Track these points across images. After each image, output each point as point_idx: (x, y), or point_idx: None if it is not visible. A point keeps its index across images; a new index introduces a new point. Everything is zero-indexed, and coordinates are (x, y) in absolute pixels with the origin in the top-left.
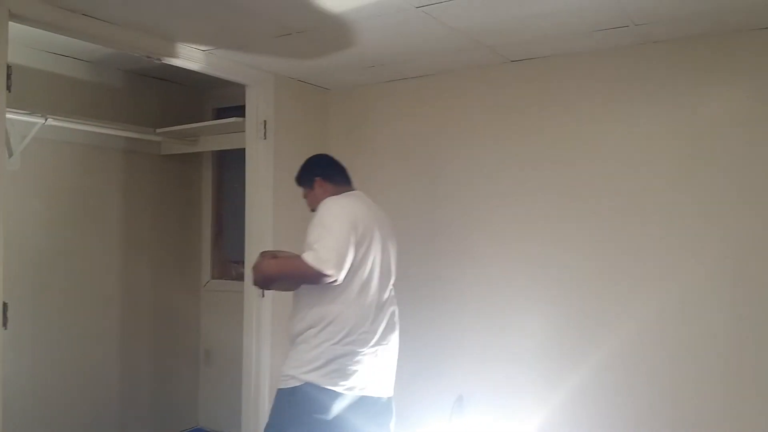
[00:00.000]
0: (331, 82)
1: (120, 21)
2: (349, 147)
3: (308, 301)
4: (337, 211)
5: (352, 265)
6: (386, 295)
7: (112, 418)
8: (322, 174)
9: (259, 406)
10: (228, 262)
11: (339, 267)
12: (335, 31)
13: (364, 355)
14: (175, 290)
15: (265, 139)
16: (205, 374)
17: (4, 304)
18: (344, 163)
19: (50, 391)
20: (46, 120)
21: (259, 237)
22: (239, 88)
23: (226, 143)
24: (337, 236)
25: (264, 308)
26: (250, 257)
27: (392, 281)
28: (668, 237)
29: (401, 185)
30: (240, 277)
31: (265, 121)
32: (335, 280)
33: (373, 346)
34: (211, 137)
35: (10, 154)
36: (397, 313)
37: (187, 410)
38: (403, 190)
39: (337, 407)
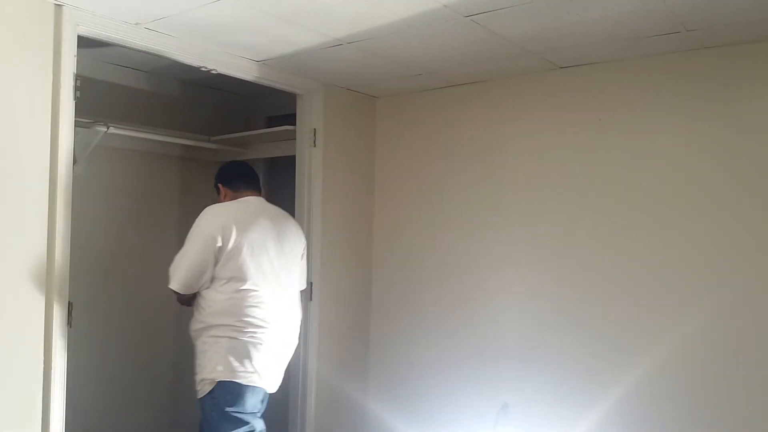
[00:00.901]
0: (379, 90)
1: (176, 33)
2: (396, 154)
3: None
4: (203, 221)
5: (224, 266)
6: (281, 295)
7: (166, 415)
8: (223, 180)
9: (306, 409)
10: None
11: (181, 281)
12: (384, 41)
13: (257, 350)
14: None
15: (315, 146)
16: None
17: (70, 304)
18: (391, 168)
19: (109, 386)
20: (108, 128)
21: (308, 241)
22: (290, 97)
23: (277, 150)
24: (189, 251)
25: (311, 311)
26: None
27: (292, 283)
28: (715, 246)
29: (448, 191)
30: None
31: (315, 129)
32: (184, 294)
33: (264, 343)
34: (263, 144)
35: (76, 162)
36: (296, 314)
37: None
38: (449, 196)
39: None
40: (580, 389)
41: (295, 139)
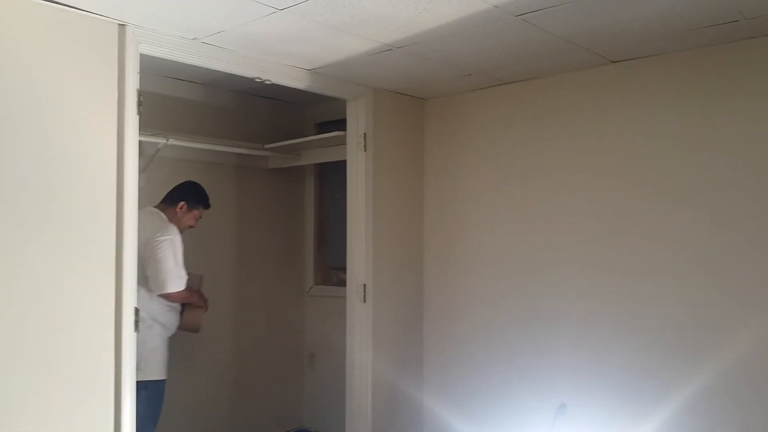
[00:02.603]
0: (428, 91)
1: (232, 47)
2: (445, 154)
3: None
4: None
5: None
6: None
7: (225, 417)
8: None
9: (363, 407)
10: (330, 268)
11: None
12: (434, 44)
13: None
14: (281, 295)
15: (365, 150)
16: (309, 376)
17: (136, 309)
18: (440, 169)
19: (171, 386)
20: (168, 140)
21: (359, 244)
22: (338, 103)
23: (327, 156)
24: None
25: (365, 312)
26: (352, 264)
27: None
28: None
29: (499, 190)
30: (341, 283)
31: (365, 134)
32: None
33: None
34: (314, 150)
35: (139, 173)
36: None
37: (293, 411)
38: (501, 196)
39: None
40: (642, 389)
41: (345, 144)
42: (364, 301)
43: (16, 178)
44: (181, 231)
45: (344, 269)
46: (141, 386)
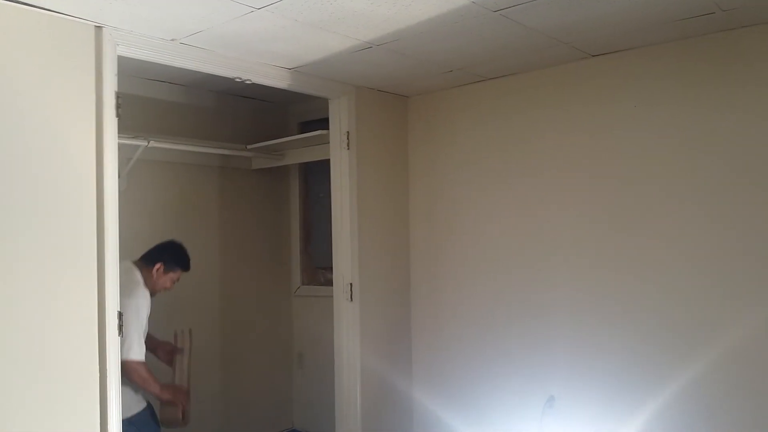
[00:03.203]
0: (410, 89)
1: (211, 47)
2: (428, 151)
3: None
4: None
5: None
6: None
7: (215, 420)
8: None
9: (352, 406)
10: (317, 268)
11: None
12: (414, 41)
13: None
14: (268, 296)
15: (348, 149)
16: (299, 376)
17: (119, 313)
18: (425, 166)
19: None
20: (148, 142)
21: (345, 243)
22: (321, 102)
23: (311, 155)
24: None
25: (353, 311)
26: (338, 263)
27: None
28: None
29: (483, 186)
30: (328, 283)
31: (348, 132)
32: None
33: None
34: (297, 150)
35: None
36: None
37: (283, 412)
38: (483, 192)
39: None
40: (632, 383)
41: (328, 143)
42: (351, 300)
43: None
44: (154, 293)
45: (331, 269)
46: (126, 423)
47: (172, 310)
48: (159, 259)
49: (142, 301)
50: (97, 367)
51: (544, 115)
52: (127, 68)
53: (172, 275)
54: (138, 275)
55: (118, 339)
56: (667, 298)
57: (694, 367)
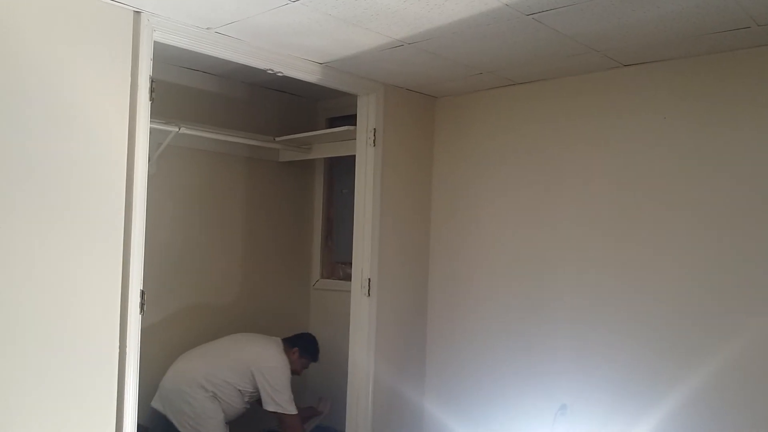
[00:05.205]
0: (439, 89)
1: (245, 37)
2: (453, 152)
3: None
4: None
5: None
6: None
7: None
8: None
9: (364, 401)
10: (336, 263)
11: None
12: (445, 42)
13: None
14: (287, 288)
15: (374, 146)
16: (314, 370)
17: (142, 292)
18: (449, 167)
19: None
20: (179, 129)
21: (366, 238)
22: (350, 98)
23: (337, 150)
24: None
25: (369, 306)
26: (357, 258)
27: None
28: None
29: (507, 191)
30: (347, 278)
31: (374, 129)
32: None
33: None
34: (324, 145)
35: (149, 160)
36: None
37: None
38: (508, 196)
39: None
40: (642, 390)
41: (355, 139)
42: (369, 295)
43: (29, 161)
44: (291, 371)
45: (350, 264)
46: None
47: (195, 295)
48: (296, 344)
49: (285, 368)
50: (117, 343)
51: (572, 123)
52: (163, 55)
53: (303, 361)
54: (283, 350)
55: (139, 317)
56: (676, 307)
57: (701, 374)
